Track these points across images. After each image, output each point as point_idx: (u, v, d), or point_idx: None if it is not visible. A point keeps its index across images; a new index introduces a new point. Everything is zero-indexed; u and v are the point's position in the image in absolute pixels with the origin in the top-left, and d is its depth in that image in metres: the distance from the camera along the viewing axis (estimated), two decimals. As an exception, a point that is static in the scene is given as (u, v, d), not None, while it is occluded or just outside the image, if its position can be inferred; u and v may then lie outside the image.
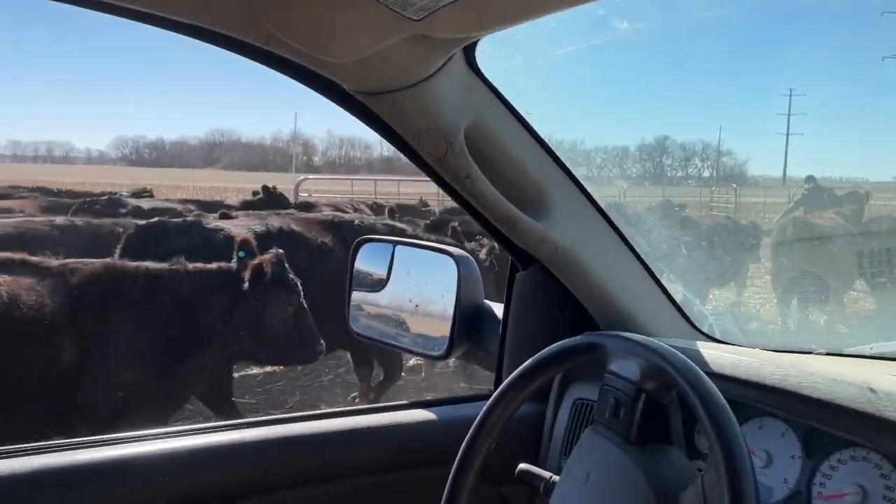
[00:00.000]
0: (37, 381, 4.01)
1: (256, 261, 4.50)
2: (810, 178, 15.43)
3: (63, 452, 1.25)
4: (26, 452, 1.22)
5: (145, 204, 9.53)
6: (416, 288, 1.73)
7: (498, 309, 1.65)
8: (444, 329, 1.61)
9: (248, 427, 1.41)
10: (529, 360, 1.13)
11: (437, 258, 1.67)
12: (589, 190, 1.45)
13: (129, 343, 4.25)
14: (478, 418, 1.14)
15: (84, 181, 34.96)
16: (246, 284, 4.43)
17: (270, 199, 9.81)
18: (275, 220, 6.33)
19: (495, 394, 1.15)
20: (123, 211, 8.44)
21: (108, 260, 4.66)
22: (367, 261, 1.84)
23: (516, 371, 1.14)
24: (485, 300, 1.67)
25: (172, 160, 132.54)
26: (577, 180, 1.43)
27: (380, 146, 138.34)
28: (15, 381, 3.93)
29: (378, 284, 1.80)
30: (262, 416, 1.63)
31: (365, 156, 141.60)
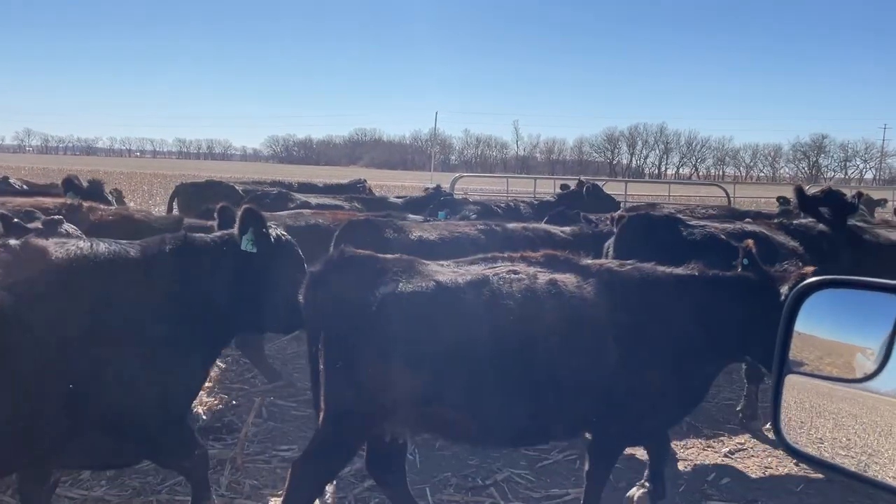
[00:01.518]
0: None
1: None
2: None
3: None
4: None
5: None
6: None
7: None
8: None
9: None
10: None
11: None
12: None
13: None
14: None
15: (240, 175, 36.80)
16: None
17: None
18: (747, 226, 6.15)
19: None
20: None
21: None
22: (828, 318, 1.39)
23: None
24: None
25: (318, 157, 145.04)
26: None
27: (515, 146, 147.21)
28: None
29: (862, 369, 1.26)
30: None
31: (500, 155, 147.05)
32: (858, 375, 1.73)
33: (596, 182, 16.18)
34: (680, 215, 7.24)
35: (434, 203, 9.68)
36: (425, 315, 3.45)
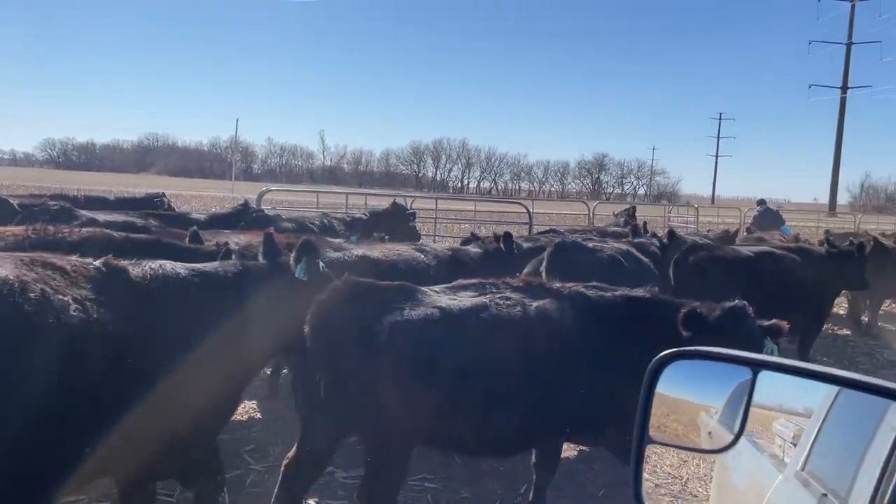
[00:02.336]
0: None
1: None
2: (762, 201, 18.64)
3: None
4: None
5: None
6: (829, 463, 1.09)
7: None
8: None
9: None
10: None
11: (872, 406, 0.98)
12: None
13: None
14: None
15: (8, 182, 34.75)
16: None
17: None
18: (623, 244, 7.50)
19: None
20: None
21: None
22: (682, 385, 1.39)
23: None
24: None
25: (102, 164, 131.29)
26: None
27: (321, 156, 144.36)
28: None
29: (719, 438, 1.22)
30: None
31: (306, 165, 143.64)
32: (703, 434, 1.83)
33: (406, 197, 16.49)
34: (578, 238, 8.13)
35: (244, 220, 9.16)
36: (432, 340, 3.67)
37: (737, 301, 4.08)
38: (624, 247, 7.35)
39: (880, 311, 11.88)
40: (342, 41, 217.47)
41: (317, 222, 10.10)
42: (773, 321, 4.06)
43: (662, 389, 1.62)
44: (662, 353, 1.63)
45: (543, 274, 6.18)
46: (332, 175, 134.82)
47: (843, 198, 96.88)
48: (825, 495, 1.67)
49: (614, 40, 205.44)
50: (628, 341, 3.86)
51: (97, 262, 3.33)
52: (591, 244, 7.08)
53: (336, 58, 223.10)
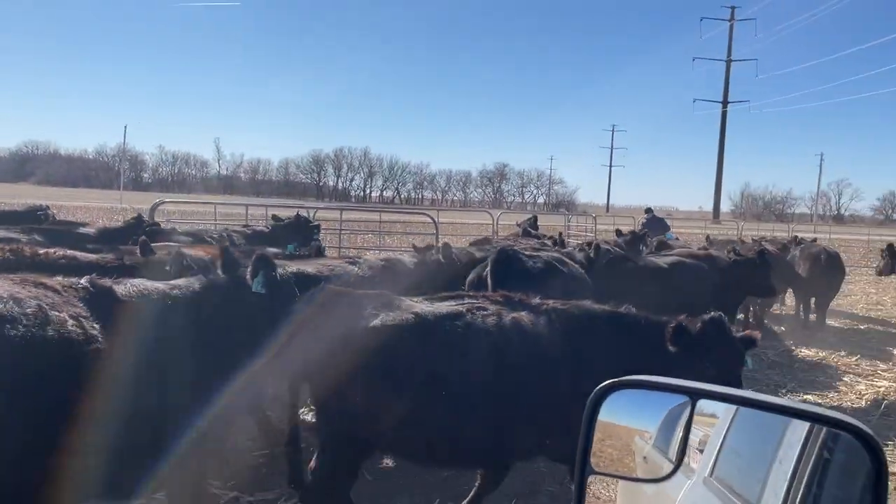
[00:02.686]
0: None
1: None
2: (649, 210, 20.34)
3: None
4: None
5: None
6: (737, 470, 1.17)
7: None
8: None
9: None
10: None
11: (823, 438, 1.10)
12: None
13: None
14: None
15: None
16: None
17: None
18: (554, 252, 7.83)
19: None
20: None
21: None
22: (620, 414, 1.40)
23: None
24: None
25: None
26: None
27: (217, 164, 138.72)
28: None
29: (654, 463, 1.23)
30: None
31: (200, 174, 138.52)
32: (638, 459, 1.86)
33: (309, 208, 16.16)
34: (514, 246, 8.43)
35: (137, 234, 8.37)
36: (408, 346, 3.77)
37: (713, 314, 4.16)
38: (556, 255, 7.65)
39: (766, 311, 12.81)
40: (238, 45, 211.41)
41: (215, 235, 9.75)
42: (747, 332, 4.29)
43: (603, 417, 1.63)
44: (604, 384, 1.63)
45: (488, 280, 6.39)
46: (228, 184, 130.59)
47: (725, 206, 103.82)
48: (734, 502, 1.72)
49: (510, 52, 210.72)
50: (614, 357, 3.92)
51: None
52: (527, 253, 7.33)
53: (231, 63, 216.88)
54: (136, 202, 51.09)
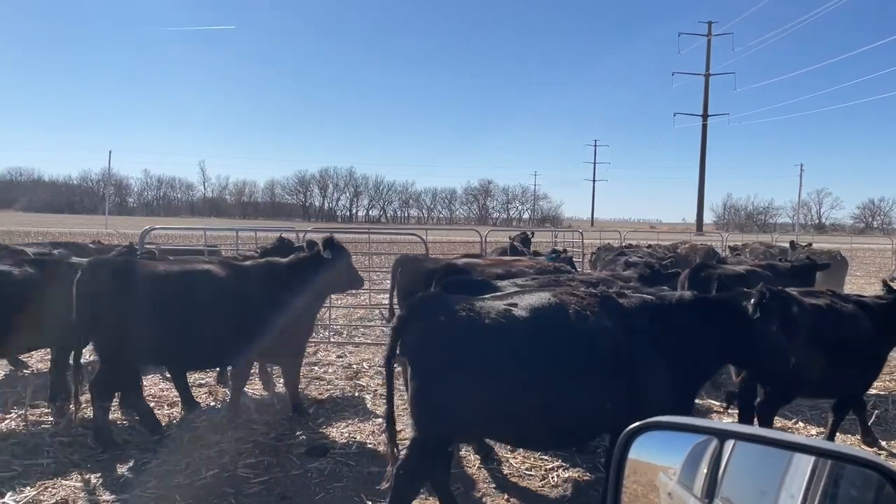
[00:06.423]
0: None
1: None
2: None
3: None
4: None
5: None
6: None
7: None
8: None
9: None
10: None
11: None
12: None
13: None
14: None
15: None
16: None
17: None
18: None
19: None
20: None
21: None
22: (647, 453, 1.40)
23: None
24: None
25: None
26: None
27: (202, 187, 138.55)
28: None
29: (679, 500, 1.26)
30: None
31: (186, 197, 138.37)
32: (662, 496, 1.88)
33: (298, 231, 16.11)
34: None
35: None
36: (506, 339, 4.03)
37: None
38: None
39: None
40: (220, 69, 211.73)
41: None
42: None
43: (632, 456, 1.66)
44: (633, 426, 1.66)
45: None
46: (214, 207, 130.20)
47: (708, 217, 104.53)
48: None
49: (492, 69, 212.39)
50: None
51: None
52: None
53: (215, 87, 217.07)
54: (121, 226, 50.84)
